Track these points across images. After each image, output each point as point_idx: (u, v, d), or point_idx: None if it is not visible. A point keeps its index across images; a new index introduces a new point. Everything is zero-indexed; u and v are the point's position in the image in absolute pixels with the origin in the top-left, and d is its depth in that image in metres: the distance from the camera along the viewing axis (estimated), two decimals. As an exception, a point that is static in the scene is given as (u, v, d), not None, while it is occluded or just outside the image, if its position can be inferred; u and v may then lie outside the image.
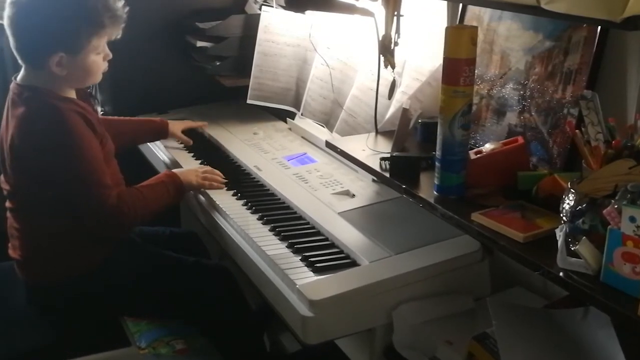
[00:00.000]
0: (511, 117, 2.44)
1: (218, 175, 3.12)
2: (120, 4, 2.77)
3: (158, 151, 3.65)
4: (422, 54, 2.84)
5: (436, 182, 2.23)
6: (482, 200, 2.15)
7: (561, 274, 1.77)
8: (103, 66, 2.85)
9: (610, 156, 1.86)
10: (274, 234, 2.66)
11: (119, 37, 2.83)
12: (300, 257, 2.47)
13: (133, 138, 3.50)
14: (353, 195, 2.89)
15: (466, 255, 2.46)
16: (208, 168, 3.16)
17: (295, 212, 2.83)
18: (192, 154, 3.55)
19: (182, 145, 3.64)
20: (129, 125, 3.46)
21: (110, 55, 2.86)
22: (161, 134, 3.59)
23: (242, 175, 3.24)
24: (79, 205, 2.73)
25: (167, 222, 3.43)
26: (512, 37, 2.43)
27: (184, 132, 3.64)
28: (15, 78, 2.81)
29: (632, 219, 1.61)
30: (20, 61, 2.78)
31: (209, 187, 3.05)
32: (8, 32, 2.72)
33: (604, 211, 1.69)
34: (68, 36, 2.68)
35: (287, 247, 2.56)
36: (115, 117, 3.49)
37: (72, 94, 2.84)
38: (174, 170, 3.07)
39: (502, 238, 1.95)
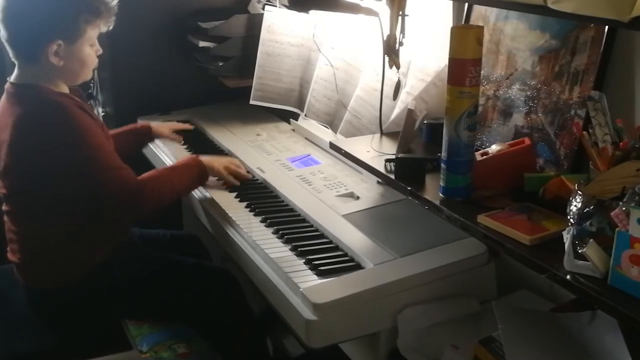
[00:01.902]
0: (518, 118, 2.42)
1: (242, 170, 3.14)
2: None
3: (161, 153, 3.63)
4: (428, 54, 2.83)
5: (442, 183, 2.21)
6: (488, 202, 2.13)
7: (568, 276, 1.75)
8: (95, 61, 2.86)
9: (617, 158, 1.85)
10: (277, 237, 2.64)
11: (110, 28, 2.85)
12: (304, 260, 2.46)
13: (119, 151, 3.47)
14: (357, 198, 2.87)
15: (472, 258, 2.44)
16: (235, 161, 3.18)
17: (299, 215, 2.82)
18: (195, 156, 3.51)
19: (185, 147, 3.63)
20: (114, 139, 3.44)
21: (101, 51, 2.88)
22: (145, 138, 3.57)
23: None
24: (99, 190, 2.72)
25: (169, 224, 3.42)
26: (519, 37, 2.42)
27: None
28: (10, 79, 2.80)
29: (641, 222, 1.59)
30: (14, 57, 2.77)
31: (226, 179, 3.07)
32: (1, 25, 2.71)
33: (612, 213, 1.67)
34: (66, 23, 2.70)
35: (290, 250, 2.54)
36: None
37: (67, 91, 2.83)
38: (200, 157, 3.08)
39: (509, 240, 1.94)
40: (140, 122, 3.68)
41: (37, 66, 2.73)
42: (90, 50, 2.80)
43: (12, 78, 2.79)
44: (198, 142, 3.69)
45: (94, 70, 2.94)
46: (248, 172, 3.19)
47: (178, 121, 3.90)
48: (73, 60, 2.75)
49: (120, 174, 2.71)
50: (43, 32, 2.67)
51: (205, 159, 3.06)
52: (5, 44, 2.75)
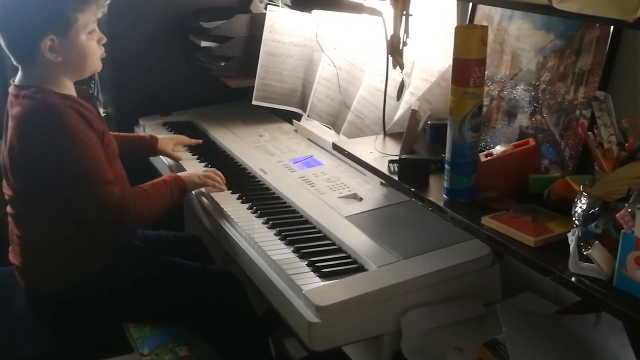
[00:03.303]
0: (522, 119, 2.41)
1: (219, 176, 3.10)
2: None
3: (165, 157, 3.61)
4: (431, 54, 2.81)
5: (445, 185, 2.20)
6: (492, 203, 2.12)
7: (573, 279, 1.74)
8: (99, 51, 2.83)
9: (623, 159, 1.84)
10: (279, 239, 2.63)
11: (105, 12, 2.81)
12: (306, 262, 2.45)
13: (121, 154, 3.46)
14: (360, 199, 2.86)
15: (476, 260, 2.43)
16: (211, 169, 3.14)
17: (301, 216, 2.81)
18: (196, 157, 3.52)
19: (186, 148, 3.62)
20: (118, 140, 3.42)
21: (105, 39, 2.84)
22: (149, 151, 3.54)
23: (247, 179, 3.22)
24: (80, 203, 2.70)
25: (171, 226, 3.41)
26: (523, 37, 2.41)
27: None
28: (14, 81, 2.79)
29: (646, 223, 1.59)
30: (15, 61, 2.76)
31: (211, 185, 3.04)
32: None
33: (617, 215, 1.66)
34: (52, 15, 2.66)
35: (293, 251, 2.53)
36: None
37: (72, 91, 2.82)
38: (178, 173, 3.06)
39: (513, 242, 1.93)
40: (149, 134, 3.62)
41: (37, 67, 2.71)
42: (89, 39, 2.76)
43: (16, 80, 2.79)
44: (203, 147, 3.67)
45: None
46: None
47: (180, 122, 3.90)
48: (71, 52, 2.72)
49: (104, 190, 2.67)
50: (32, 29, 2.65)
51: (184, 174, 3.04)
52: (6, 51, 2.74)
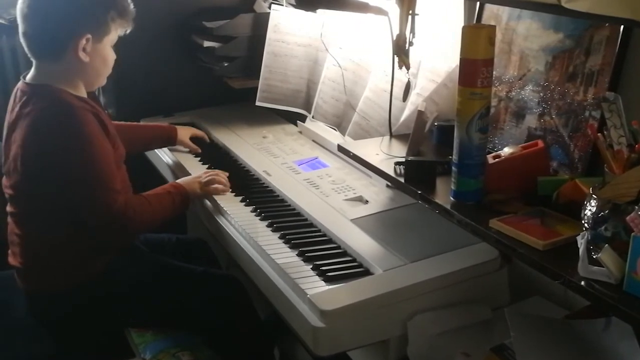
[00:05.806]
0: (531, 120, 2.40)
1: (222, 177, 3.08)
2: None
3: (164, 155, 3.62)
4: (438, 54, 2.80)
5: (453, 187, 2.19)
6: (500, 206, 2.11)
7: (582, 283, 1.73)
8: (110, 67, 2.87)
9: (633, 160, 1.83)
10: (283, 242, 2.62)
11: (127, 32, 2.88)
12: (311, 266, 2.43)
13: (141, 145, 3.50)
14: (366, 202, 2.85)
15: (484, 264, 2.41)
16: (211, 172, 3.13)
17: (306, 219, 2.79)
18: (199, 158, 3.52)
19: (193, 154, 3.59)
20: (137, 131, 3.46)
21: (115, 56, 2.88)
22: (169, 141, 3.56)
23: (250, 181, 3.21)
24: (83, 206, 2.71)
25: (174, 229, 3.40)
26: (532, 37, 2.40)
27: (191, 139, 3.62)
28: (24, 77, 2.78)
29: (657, 226, 1.58)
30: (34, 55, 2.76)
31: (214, 193, 3.02)
32: (24, 21, 2.70)
33: (627, 218, 1.65)
34: (96, 18, 2.72)
35: (297, 255, 2.52)
36: (124, 123, 3.46)
37: (85, 94, 2.83)
38: (179, 181, 3.07)
39: (521, 246, 1.92)
40: (167, 124, 3.67)
41: (59, 64, 2.72)
42: (111, 53, 2.83)
43: (28, 77, 2.78)
44: (205, 149, 3.65)
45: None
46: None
47: (183, 123, 3.88)
48: (97, 58, 2.77)
49: (109, 197, 2.68)
50: (74, 25, 2.68)
51: (187, 184, 3.02)
52: (24, 41, 2.73)
